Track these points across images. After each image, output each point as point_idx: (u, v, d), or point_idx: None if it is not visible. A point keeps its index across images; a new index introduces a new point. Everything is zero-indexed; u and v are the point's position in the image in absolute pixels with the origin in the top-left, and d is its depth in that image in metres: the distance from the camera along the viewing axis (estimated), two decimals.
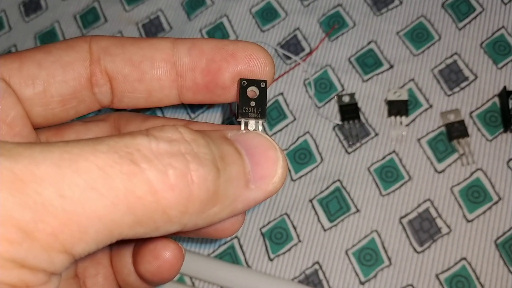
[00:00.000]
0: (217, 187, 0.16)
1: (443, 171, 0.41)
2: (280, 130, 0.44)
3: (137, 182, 0.14)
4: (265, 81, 0.21)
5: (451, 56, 0.45)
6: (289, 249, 0.41)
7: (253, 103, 0.21)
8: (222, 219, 0.17)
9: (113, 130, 0.24)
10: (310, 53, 0.46)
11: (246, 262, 0.41)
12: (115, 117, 0.24)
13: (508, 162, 0.41)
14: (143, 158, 0.15)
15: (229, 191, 0.17)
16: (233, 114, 0.45)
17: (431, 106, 0.43)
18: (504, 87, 0.42)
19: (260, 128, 0.20)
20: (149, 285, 0.24)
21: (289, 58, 0.47)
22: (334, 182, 0.42)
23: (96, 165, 0.14)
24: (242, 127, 0.20)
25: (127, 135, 0.15)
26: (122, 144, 0.15)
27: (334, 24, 0.47)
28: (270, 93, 0.46)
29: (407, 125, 0.43)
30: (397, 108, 0.43)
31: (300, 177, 0.43)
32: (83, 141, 0.15)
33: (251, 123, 0.20)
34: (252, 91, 0.21)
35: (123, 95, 0.21)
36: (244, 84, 0.20)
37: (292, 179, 0.43)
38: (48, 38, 0.52)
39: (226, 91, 0.21)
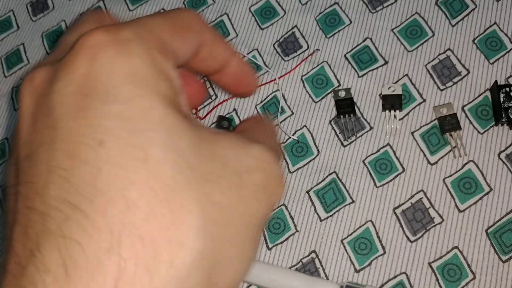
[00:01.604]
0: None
1: (435, 163, 0.43)
2: (278, 124, 0.46)
3: None
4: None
5: (444, 52, 0.46)
6: (287, 239, 0.42)
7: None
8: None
9: None
10: (298, 65, 0.48)
11: None
12: None
13: (499, 154, 0.42)
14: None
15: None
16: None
17: (424, 101, 0.45)
18: (496, 82, 0.43)
19: None
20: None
21: (287, 55, 0.48)
22: (330, 174, 0.44)
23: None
24: None
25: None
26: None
27: (330, 22, 0.49)
28: (269, 89, 0.47)
29: (401, 119, 0.44)
30: (391, 102, 0.45)
31: (297, 169, 0.44)
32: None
33: None
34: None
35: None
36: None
37: (289, 171, 0.44)
38: (55, 37, 0.54)
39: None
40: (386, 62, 0.46)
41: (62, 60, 0.18)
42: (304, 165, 0.44)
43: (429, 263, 0.40)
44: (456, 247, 0.40)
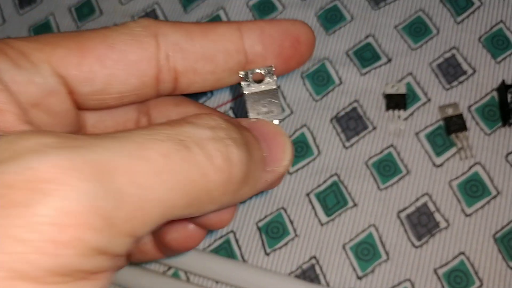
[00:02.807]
0: (248, 169, 0.18)
1: (441, 165, 0.41)
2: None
3: (192, 167, 0.16)
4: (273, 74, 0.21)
5: (450, 50, 0.44)
6: (286, 244, 0.40)
7: (264, 105, 0.21)
8: (246, 198, 0.19)
9: (140, 114, 0.24)
10: None
11: (242, 257, 0.40)
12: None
13: (506, 156, 0.41)
14: (195, 144, 0.16)
15: (254, 173, 0.18)
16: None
17: (429, 100, 0.43)
18: (503, 81, 0.41)
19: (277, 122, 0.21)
20: (165, 254, 0.24)
21: None
22: (331, 176, 0.42)
23: (159, 153, 0.15)
24: None
25: (176, 124, 0.16)
26: (176, 132, 0.16)
27: (331, 19, 0.47)
28: None
29: (405, 119, 0.43)
30: (395, 101, 0.43)
31: (297, 170, 0.42)
32: (137, 131, 0.16)
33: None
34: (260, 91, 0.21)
35: (189, 86, 0.21)
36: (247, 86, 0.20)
37: (288, 172, 0.42)
38: (42, 30, 0.51)
39: (289, 71, 0.22)
40: (389, 60, 0.45)
41: None
42: (304, 166, 0.42)
43: (435, 270, 0.38)
44: (463, 253, 0.38)
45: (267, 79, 0.20)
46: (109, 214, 0.14)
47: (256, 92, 0.20)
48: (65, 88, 0.19)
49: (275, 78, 0.20)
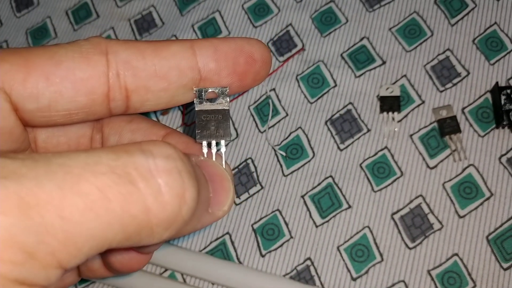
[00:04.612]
0: (196, 209, 0.17)
1: (435, 167, 0.41)
2: (273, 126, 0.44)
3: (133, 202, 0.15)
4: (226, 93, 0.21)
5: (444, 52, 0.45)
6: (281, 245, 0.41)
7: (213, 124, 0.21)
8: (183, 235, 0.18)
9: (94, 130, 0.24)
10: (285, 61, 0.46)
11: (238, 259, 0.41)
12: None
13: (500, 158, 0.41)
14: (141, 177, 0.15)
15: (198, 213, 0.18)
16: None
17: (423, 102, 0.43)
18: (496, 83, 0.42)
19: (223, 149, 0.21)
20: (113, 273, 0.24)
21: (281, 55, 0.47)
22: (326, 178, 0.42)
23: (96, 187, 0.14)
24: (204, 149, 0.20)
25: (124, 153, 0.15)
26: (120, 163, 0.15)
27: (326, 21, 0.47)
28: (262, 89, 0.46)
29: (399, 121, 0.43)
30: (390, 104, 0.43)
31: (292, 172, 0.42)
32: (82, 157, 0.15)
33: (214, 143, 0.21)
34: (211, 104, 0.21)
35: (142, 104, 0.21)
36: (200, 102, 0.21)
37: (284, 175, 0.43)
38: (39, 33, 0.52)
39: (245, 89, 0.22)
40: (383, 62, 0.45)
41: None
42: (299, 168, 0.43)
43: (428, 271, 0.39)
44: (456, 254, 0.39)
45: (220, 99, 0.20)
46: (30, 248, 0.13)
47: (208, 110, 0.21)
48: (9, 104, 0.18)
49: (228, 100, 0.21)
